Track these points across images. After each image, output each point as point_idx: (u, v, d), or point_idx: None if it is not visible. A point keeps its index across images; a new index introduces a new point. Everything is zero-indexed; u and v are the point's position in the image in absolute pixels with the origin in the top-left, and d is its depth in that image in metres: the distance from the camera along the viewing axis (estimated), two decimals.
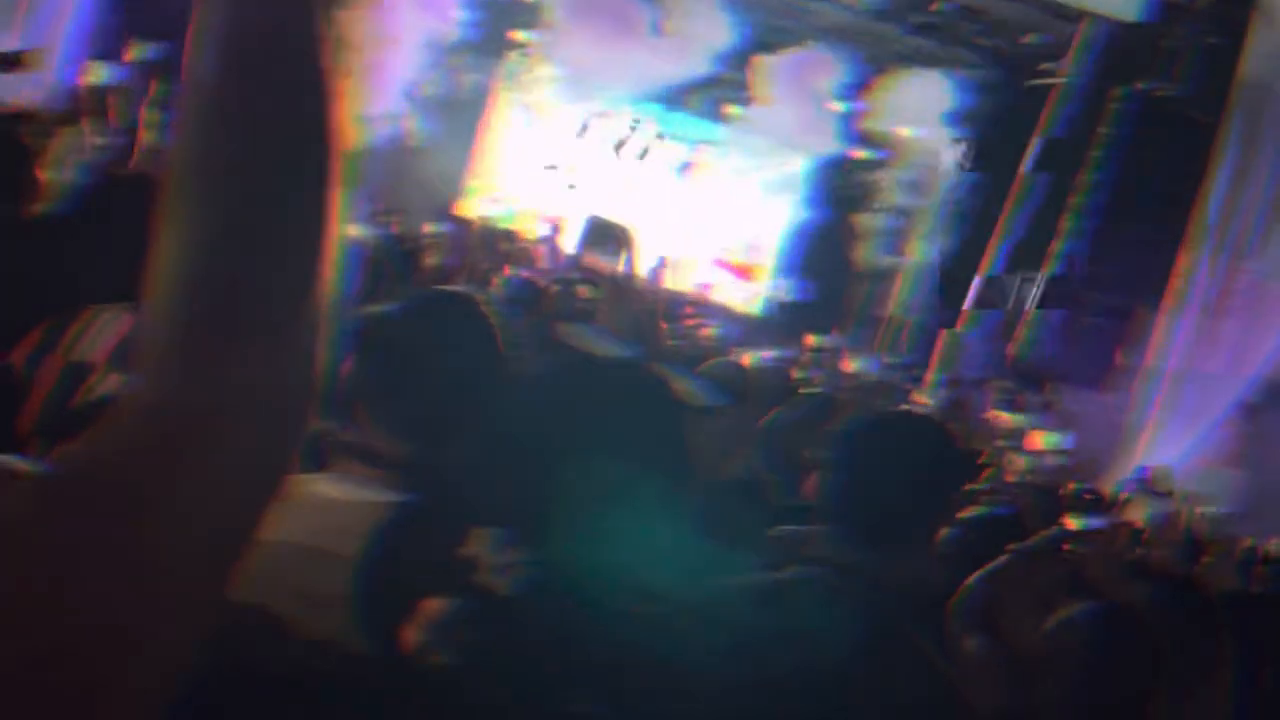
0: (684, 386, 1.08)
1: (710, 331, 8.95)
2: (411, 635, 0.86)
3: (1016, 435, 10.19)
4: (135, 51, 5.39)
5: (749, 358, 8.86)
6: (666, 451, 1.04)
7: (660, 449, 1.04)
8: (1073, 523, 2.47)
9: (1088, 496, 2.79)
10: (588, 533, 0.99)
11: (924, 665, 1.60)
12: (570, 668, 0.96)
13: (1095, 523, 2.46)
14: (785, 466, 3.07)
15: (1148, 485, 5.89)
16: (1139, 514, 3.82)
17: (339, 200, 0.63)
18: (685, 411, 1.08)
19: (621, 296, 1.77)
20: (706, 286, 13.34)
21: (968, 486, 3.35)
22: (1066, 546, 2.49)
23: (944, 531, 1.87)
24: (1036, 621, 2.45)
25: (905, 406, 8.97)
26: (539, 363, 1.08)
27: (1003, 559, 2.63)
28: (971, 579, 2.67)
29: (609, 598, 0.99)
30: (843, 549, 1.60)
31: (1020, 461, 3.55)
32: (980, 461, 4.00)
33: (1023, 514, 2.79)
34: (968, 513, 2.99)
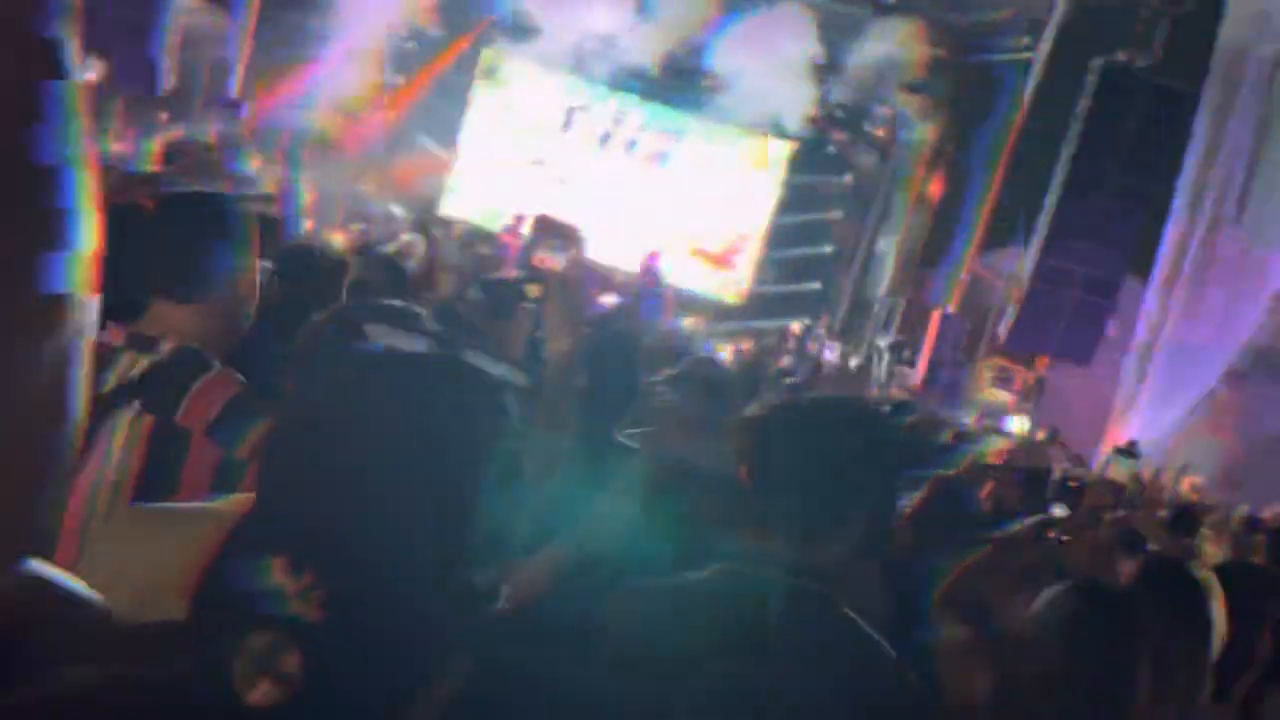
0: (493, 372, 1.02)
1: (689, 323, 8.99)
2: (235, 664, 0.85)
3: (1001, 414, 10.24)
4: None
5: (728, 349, 8.88)
6: (465, 445, 0.98)
7: (460, 444, 0.97)
8: (1056, 509, 2.48)
9: (1072, 484, 2.80)
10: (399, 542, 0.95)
11: (865, 660, 1.60)
12: (392, 694, 0.94)
13: (1076, 510, 2.48)
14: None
15: (1123, 449, 5.92)
16: (1118, 473, 3.84)
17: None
18: (488, 399, 1.00)
19: (564, 294, 1.78)
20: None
21: (919, 471, 3.37)
22: (1050, 533, 2.51)
23: (890, 519, 1.87)
24: (1020, 607, 2.47)
25: (885, 394, 9.01)
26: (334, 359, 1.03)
27: (986, 547, 2.65)
28: (955, 568, 2.69)
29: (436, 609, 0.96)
30: (771, 542, 1.59)
31: (1003, 442, 3.57)
32: (961, 443, 4.02)
33: (1001, 498, 2.81)
34: (934, 496, 3.01)
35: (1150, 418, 10.55)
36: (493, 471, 0.99)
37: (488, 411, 0.99)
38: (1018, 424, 6.30)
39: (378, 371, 0.99)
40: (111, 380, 1.81)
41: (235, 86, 11.45)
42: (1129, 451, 3.56)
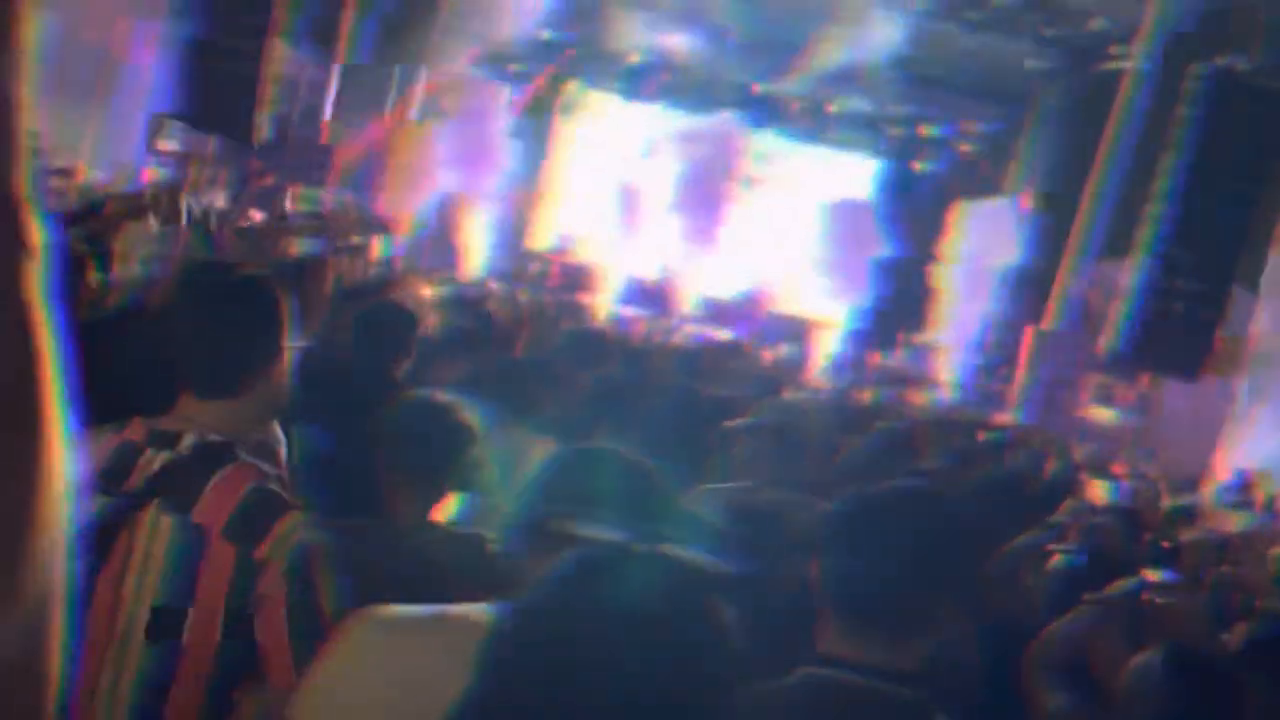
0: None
1: (773, 355, 8.89)
2: None
3: (1105, 434, 9.86)
4: (170, 142, 5.57)
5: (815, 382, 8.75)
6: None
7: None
8: (1151, 574, 2.36)
9: (1166, 545, 2.66)
10: None
11: None
12: None
13: (1171, 577, 2.36)
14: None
15: (1243, 492, 5.59)
16: (1230, 524, 3.63)
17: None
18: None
19: (538, 324, 1.78)
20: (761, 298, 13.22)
21: (1046, 517, 3.24)
22: (1146, 597, 2.39)
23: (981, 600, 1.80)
24: (1118, 671, 2.35)
25: (982, 415, 8.76)
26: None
27: (1081, 610, 2.54)
28: (1050, 631, 2.59)
29: None
30: (854, 642, 1.54)
31: (1101, 488, 3.41)
32: (1061, 488, 3.87)
33: (1100, 558, 2.69)
34: (1045, 559, 2.89)
35: (1267, 440, 10.04)
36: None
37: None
38: (1121, 464, 6.10)
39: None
40: (132, 479, 1.78)
41: (323, 133, 11.78)
42: (1244, 502, 3.36)
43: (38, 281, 0.62)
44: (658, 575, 0.98)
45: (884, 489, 1.69)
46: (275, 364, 1.88)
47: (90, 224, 3.70)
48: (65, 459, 0.61)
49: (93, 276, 3.07)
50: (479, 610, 1.44)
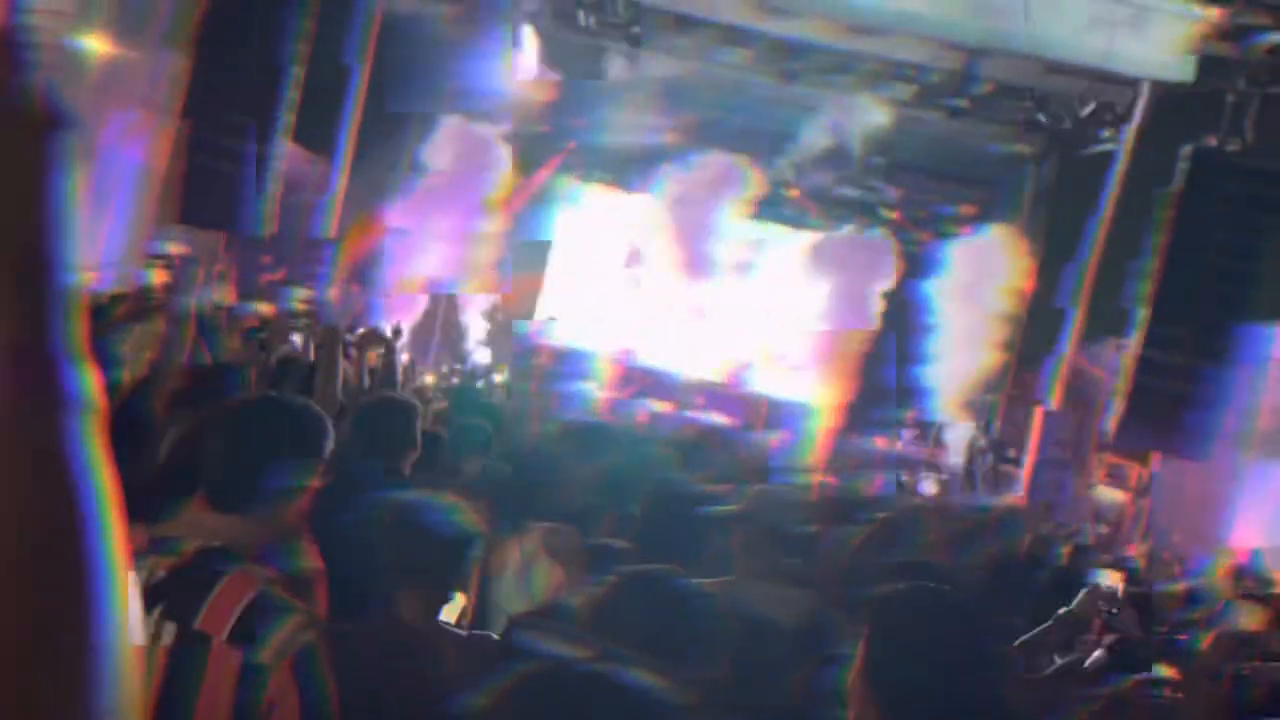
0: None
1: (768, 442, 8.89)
2: None
3: (1115, 514, 9.78)
4: (174, 243, 5.67)
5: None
6: None
7: None
8: (1166, 670, 2.33)
9: (1181, 637, 2.62)
10: None
11: None
12: None
13: (1188, 670, 2.32)
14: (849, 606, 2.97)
15: (1258, 578, 5.53)
16: (1246, 613, 3.57)
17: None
18: None
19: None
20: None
21: (1062, 611, 3.19)
22: (1165, 690, 2.35)
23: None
24: None
25: (988, 499, 8.70)
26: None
27: (1095, 705, 2.50)
28: None
29: None
30: None
31: (1117, 576, 3.36)
32: (1076, 564, 3.83)
33: (1117, 652, 2.65)
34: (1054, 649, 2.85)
35: (1272, 521, 9.95)
36: None
37: None
38: (1136, 548, 6.03)
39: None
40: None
41: (332, 227, 11.94)
42: (1263, 597, 3.30)
43: (96, 437, 0.63)
44: (597, 695, 1.01)
45: (909, 590, 1.72)
46: (301, 488, 1.89)
47: (97, 327, 3.73)
48: (125, 613, 0.62)
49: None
50: None
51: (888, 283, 13.45)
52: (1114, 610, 2.90)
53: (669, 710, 1.03)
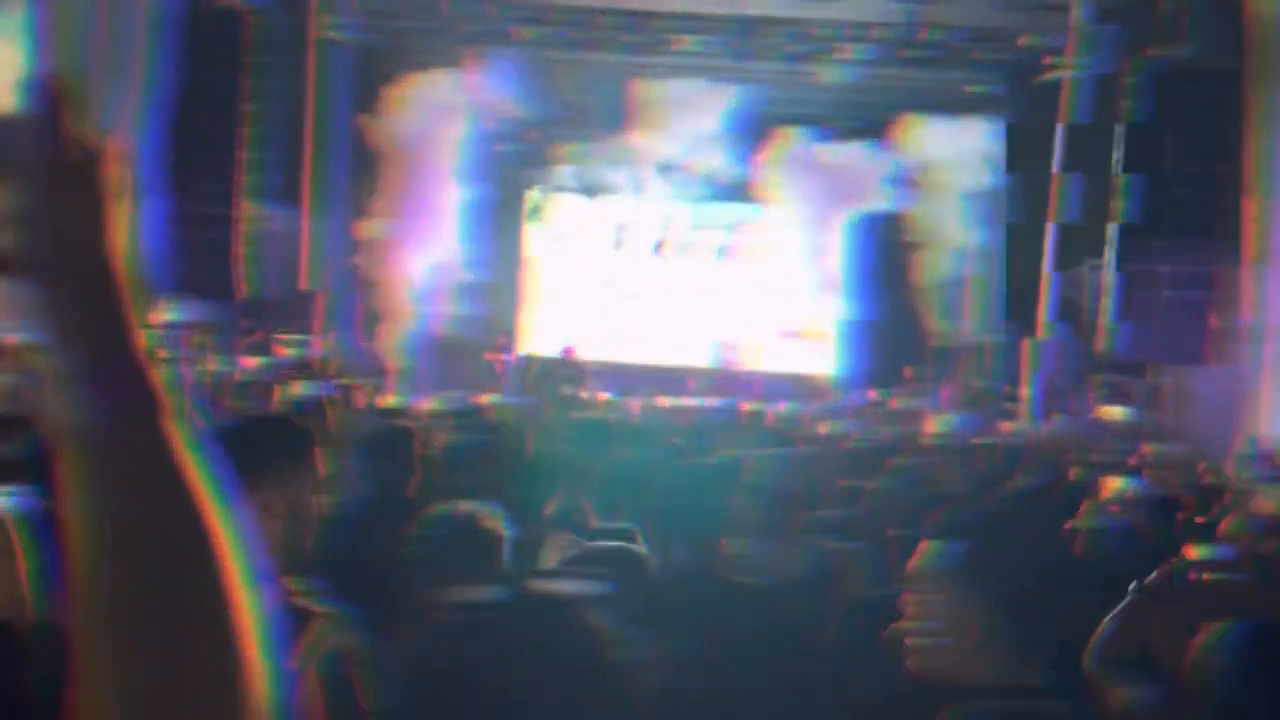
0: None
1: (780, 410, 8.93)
2: None
3: (1123, 433, 9.81)
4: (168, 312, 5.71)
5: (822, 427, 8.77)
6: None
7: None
8: (1194, 551, 2.35)
9: (1200, 521, 2.65)
10: None
11: None
12: None
13: (1219, 550, 2.35)
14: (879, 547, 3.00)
15: (1270, 463, 5.57)
16: (1264, 499, 3.61)
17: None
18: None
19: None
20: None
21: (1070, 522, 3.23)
22: (1194, 575, 2.38)
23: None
24: (1182, 654, 2.33)
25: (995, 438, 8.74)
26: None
27: (1128, 599, 2.52)
28: (1103, 627, 2.56)
29: None
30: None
31: (1117, 482, 3.40)
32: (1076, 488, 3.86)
33: (1139, 538, 2.69)
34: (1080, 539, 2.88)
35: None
36: None
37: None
38: (1141, 457, 6.10)
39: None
40: None
41: (303, 280, 11.95)
42: (1272, 476, 3.34)
43: (187, 436, 0.68)
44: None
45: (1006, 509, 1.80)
46: (301, 502, 1.93)
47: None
48: (257, 637, 0.67)
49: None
50: None
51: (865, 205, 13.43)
52: (1130, 515, 2.93)
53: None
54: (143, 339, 0.68)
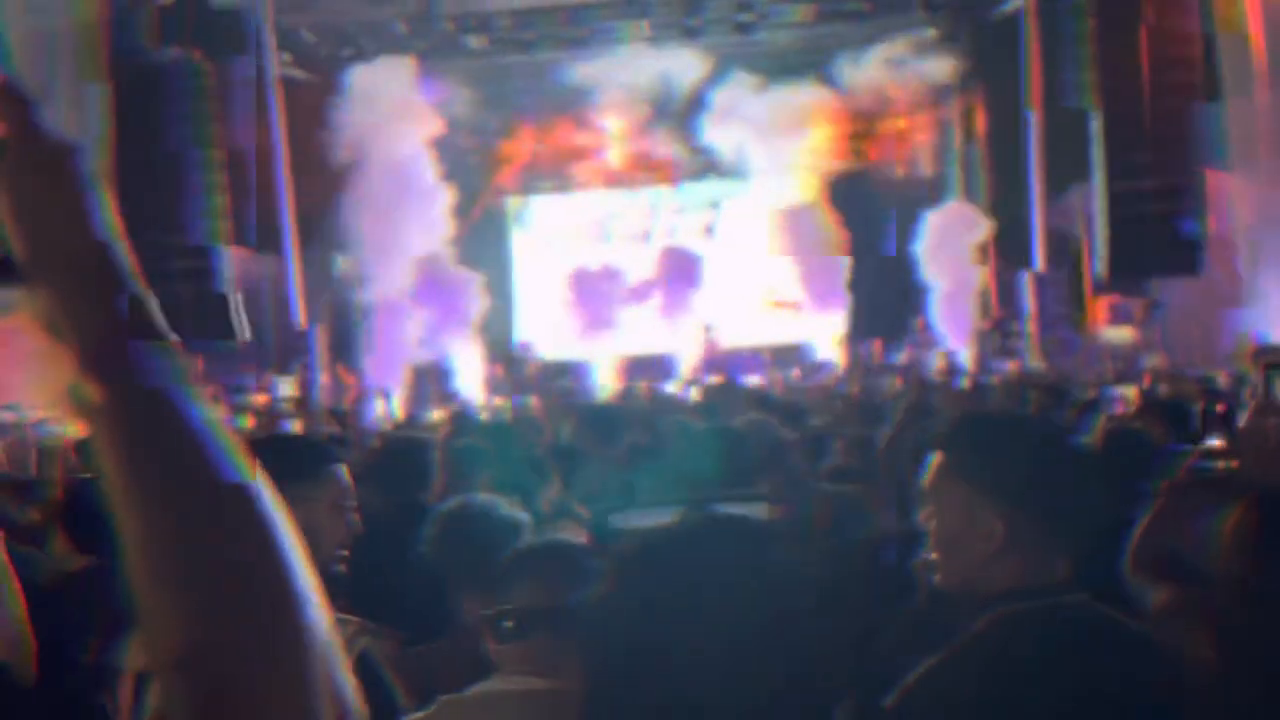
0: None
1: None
2: None
3: (1130, 353, 9.81)
4: None
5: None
6: None
7: None
8: (1211, 443, 2.35)
9: (1220, 408, 2.64)
10: None
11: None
12: None
13: (1234, 440, 2.35)
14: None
15: (1272, 353, 5.56)
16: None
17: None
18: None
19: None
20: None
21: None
22: (1218, 464, 2.37)
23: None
24: (1214, 543, 2.33)
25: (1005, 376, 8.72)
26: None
27: (1157, 500, 2.52)
28: (1135, 532, 2.56)
29: None
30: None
31: (1131, 390, 3.39)
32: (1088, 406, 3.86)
33: (1156, 442, 2.68)
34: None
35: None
36: None
37: None
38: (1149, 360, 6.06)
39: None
40: None
41: (300, 316, 11.96)
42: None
43: (203, 399, 0.70)
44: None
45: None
46: (318, 519, 1.95)
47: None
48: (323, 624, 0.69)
49: None
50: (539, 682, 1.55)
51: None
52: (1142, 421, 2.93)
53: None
54: (148, 306, 0.71)
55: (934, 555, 1.65)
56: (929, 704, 1.49)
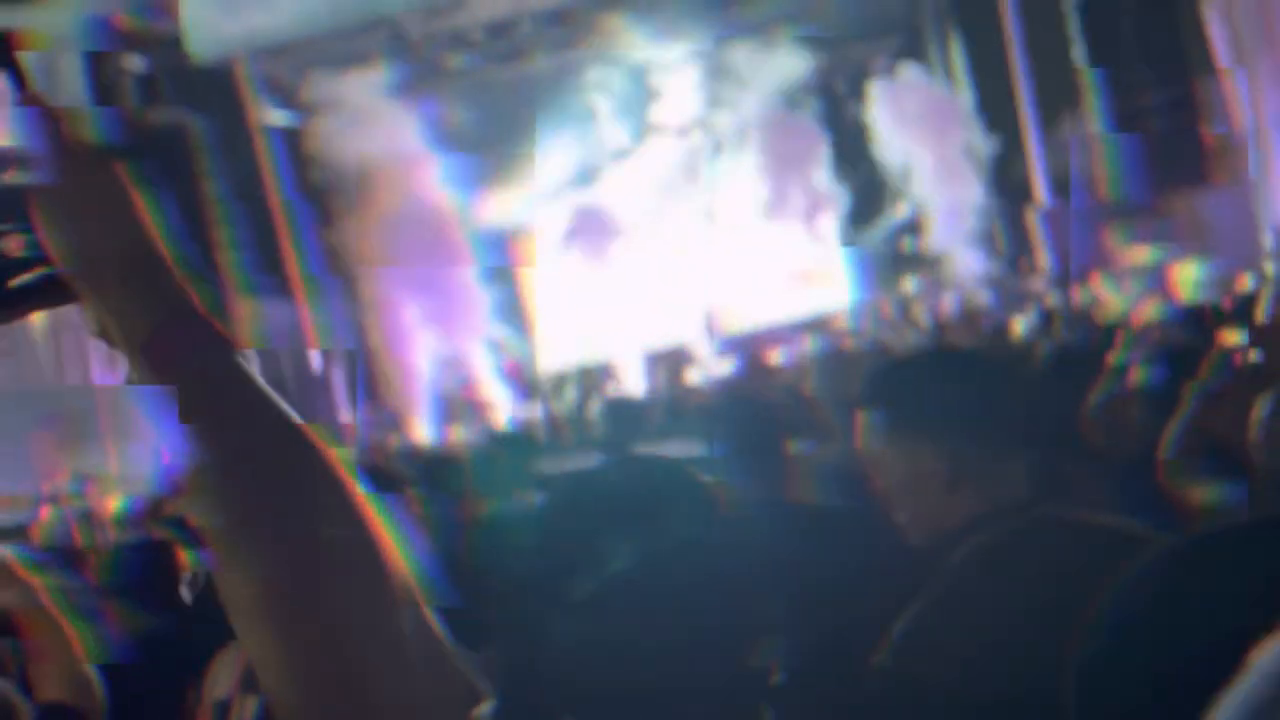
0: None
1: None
2: None
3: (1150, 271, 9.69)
4: None
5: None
6: None
7: None
8: (1231, 338, 2.33)
9: (1225, 307, 2.61)
10: None
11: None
12: None
13: (1254, 333, 2.33)
14: None
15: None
16: None
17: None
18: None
19: None
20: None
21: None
22: (1239, 358, 2.36)
23: None
24: (1246, 435, 2.32)
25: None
26: None
27: (1187, 401, 2.50)
28: (1168, 433, 2.54)
29: None
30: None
31: (1149, 310, 3.35)
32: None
33: (1180, 356, 2.66)
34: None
35: None
36: None
37: None
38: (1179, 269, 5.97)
39: None
40: None
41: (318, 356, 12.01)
42: None
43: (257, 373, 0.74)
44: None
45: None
46: None
47: (164, 511, 3.84)
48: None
49: (185, 558, 3.18)
50: None
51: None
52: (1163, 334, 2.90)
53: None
54: (198, 297, 0.74)
55: (894, 514, 1.64)
56: (915, 652, 1.47)
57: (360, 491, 0.71)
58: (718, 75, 12.87)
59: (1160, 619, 0.60)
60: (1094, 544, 1.47)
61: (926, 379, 1.70)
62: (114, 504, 5.63)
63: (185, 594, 2.87)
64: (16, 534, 4.37)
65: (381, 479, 2.14)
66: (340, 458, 0.72)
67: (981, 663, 1.38)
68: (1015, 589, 1.45)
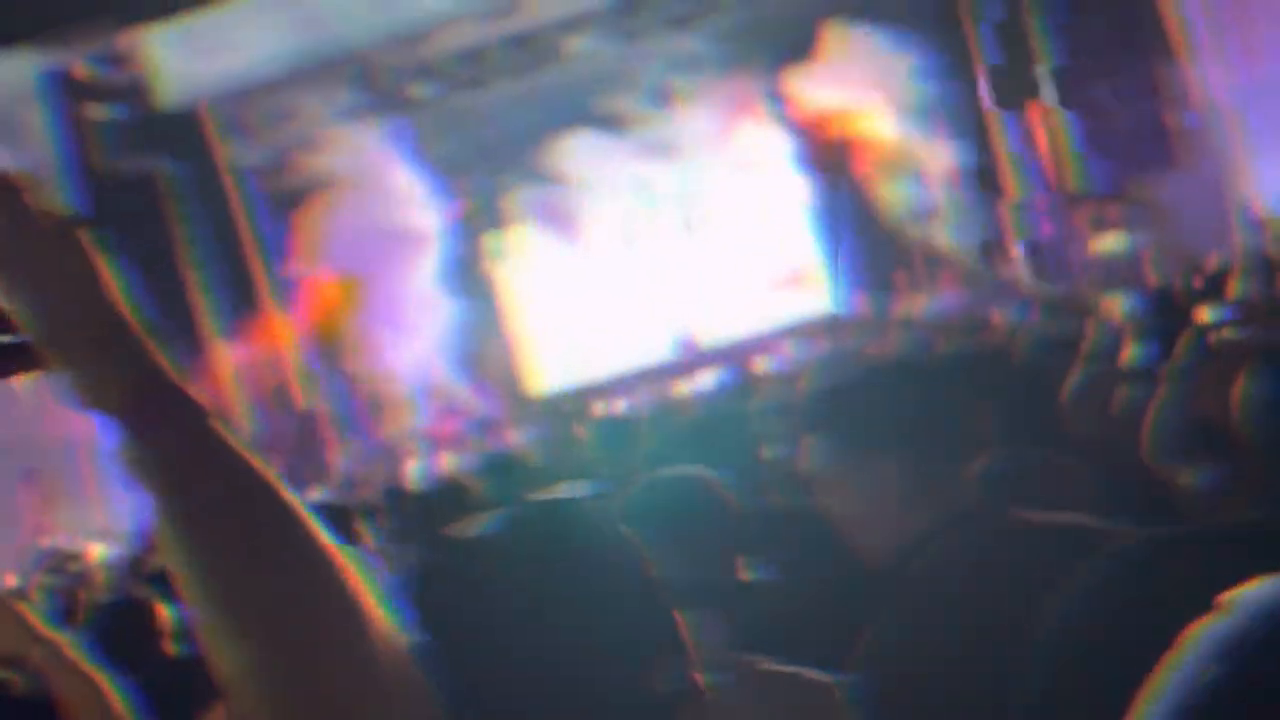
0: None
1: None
2: None
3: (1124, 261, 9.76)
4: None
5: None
6: None
7: None
8: (1205, 315, 2.36)
9: (1196, 286, 2.64)
10: None
11: None
12: None
13: (1229, 309, 2.36)
14: None
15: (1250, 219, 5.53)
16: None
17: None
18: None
19: None
20: None
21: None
22: (1213, 338, 2.38)
23: None
24: (1230, 415, 2.33)
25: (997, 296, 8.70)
26: None
27: (1168, 386, 2.52)
28: (1150, 420, 2.56)
29: None
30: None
31: (1117, 302, 3.39)
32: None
33: (1159, 335, 2.69)
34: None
35: (1263, 176, 9.89)
36: None
37: None
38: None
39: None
40: None
41: (298, 400, 11.98)
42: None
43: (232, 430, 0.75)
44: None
45: None
46: None
47: (144, 568, 3.80)
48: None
49: (165, 614, 3.15)
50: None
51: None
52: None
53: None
54: (167, 361, 0.75)
55: (848, 535, 1.62)
56: (880, 665, 1.47)
57: (331, 543, 0.73)
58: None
59: (1108, 621, 0.60)
60: (1048, 546, 1.47)
61: (869, 396, 1.68)
62: (99, 562, 5.61)
63: (168, 651, 2.84)
64: (17, 596, 4.34)
65: (348, 528, 2.11)
66: (307, 511, 0.74)
67: (944, 674, 1.38)
68: (969, 598, 1.45)
